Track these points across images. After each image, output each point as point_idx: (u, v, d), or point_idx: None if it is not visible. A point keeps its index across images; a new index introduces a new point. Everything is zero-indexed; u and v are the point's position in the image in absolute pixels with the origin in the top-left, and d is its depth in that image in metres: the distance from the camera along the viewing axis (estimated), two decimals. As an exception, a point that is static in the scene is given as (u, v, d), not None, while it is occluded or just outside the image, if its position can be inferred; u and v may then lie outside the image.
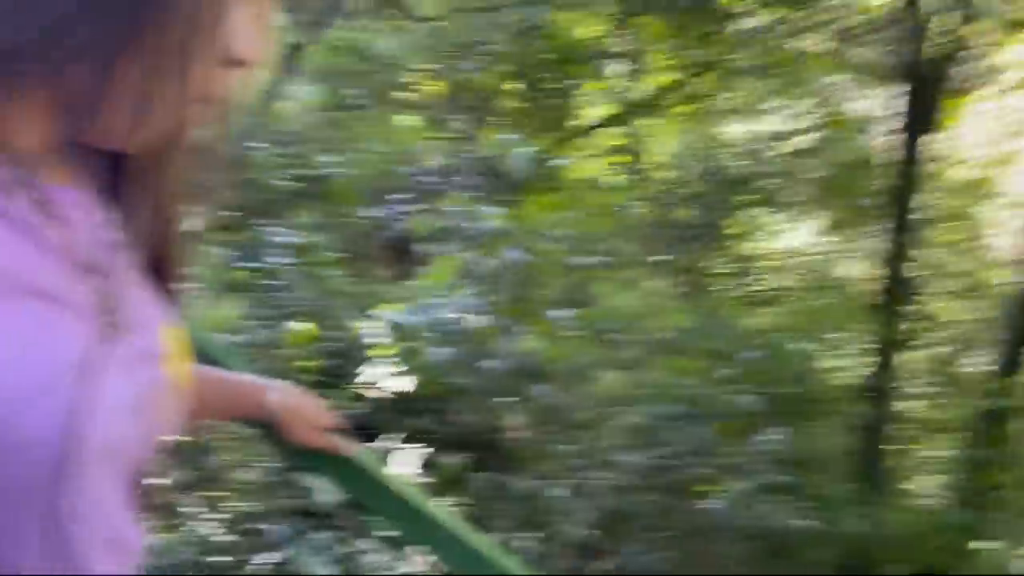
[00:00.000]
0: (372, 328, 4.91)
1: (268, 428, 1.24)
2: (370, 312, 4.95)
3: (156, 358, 0.72)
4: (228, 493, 3.39)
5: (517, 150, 4.01)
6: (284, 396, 1.23)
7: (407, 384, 4.58)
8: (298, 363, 5.04)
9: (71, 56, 0.56)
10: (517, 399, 4.48)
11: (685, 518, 3.57)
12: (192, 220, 0.78)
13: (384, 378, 4.73)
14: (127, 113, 0.59)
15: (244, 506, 3.36)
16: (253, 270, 6.18)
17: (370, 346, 4.85)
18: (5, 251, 0.58)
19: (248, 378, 1.26)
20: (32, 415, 0.56)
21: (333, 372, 5.34)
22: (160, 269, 0.78)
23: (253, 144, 6.88)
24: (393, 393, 4.71)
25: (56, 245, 0.63)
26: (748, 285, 9.27)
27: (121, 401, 0.65)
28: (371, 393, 4.90)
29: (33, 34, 0.54)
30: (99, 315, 0.65)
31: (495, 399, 4.36)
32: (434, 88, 8.91)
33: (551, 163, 4.03)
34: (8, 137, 0.60)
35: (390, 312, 4.83)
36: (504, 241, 3.91)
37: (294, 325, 5.08)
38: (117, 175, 0.74)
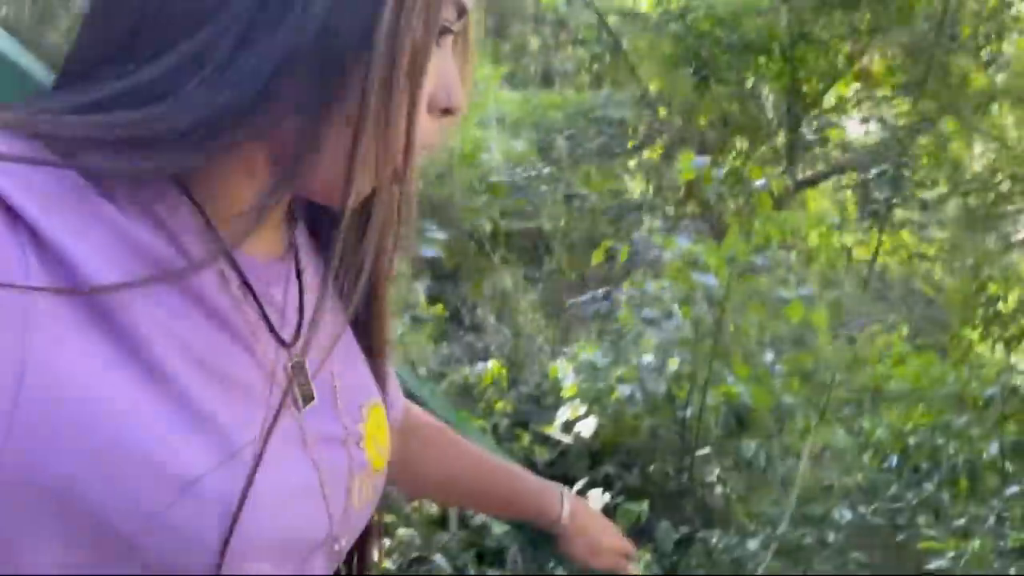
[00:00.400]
0: (566, 370, 4.81)
1: (544, 535, 1.15)
2: (565, 351, 4.86)
3: (347, 439, 0.71)
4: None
5: (700, 167, 3.75)
6: (575, 508, 1.13)
7: (594, 428, 4.36)
8: (493, 403, 5.09)
9: (281, 112, 0.56)
10: (713, 447, 4.12)
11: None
12: (398, 285, 0.72)
13: (577, 421, 4.58)
14: (339, 164, 0.58)
15: None
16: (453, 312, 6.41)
17: (563, 388, 4.72)
18: (191, 330, 0.57)
19: (535, 477, 1.15)
20: (188, 506, 0.54)
21: (525, 415, 5.34)
22: (368, 340, 0.78)
23: (458, 190, 7.23)
24: (584, 437, 4.55)
25: (247, 331, 0.62)
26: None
27: (297, 486, 0.64)
28: (563, 437, 4.79)
29: (247, 97, 0.54)
30: (282, 395, 0.63)
31: (690, 446, 4.02)
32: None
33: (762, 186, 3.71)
34: (215, 200, 0.60)
35: (584, 351, 4.69)
36: (696, 268, 3.63)
37: (489, 365, 5.11)
38: (327, 234, 0.74)
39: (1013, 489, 2.99)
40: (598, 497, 4.30)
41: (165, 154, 0.53)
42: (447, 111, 0.64)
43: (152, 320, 0.54)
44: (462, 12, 0.61)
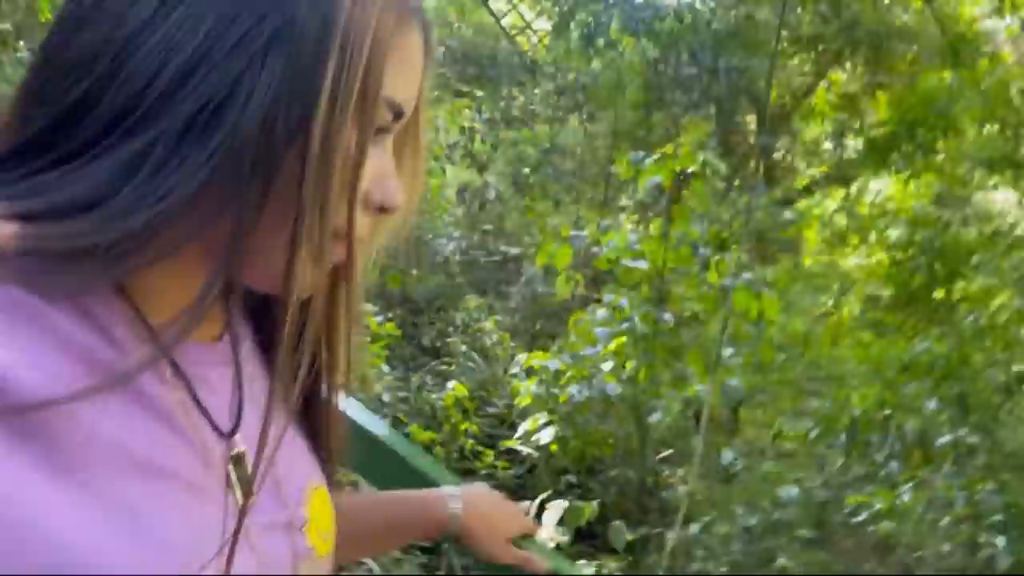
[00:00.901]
0: (527, 386, 4.76)
1: (455, 539, 1.05)
2: (520, 362, 4.82)
3: (290, 524, 0.68)
4: None
5: (637, 162, 3.73)
6: (469, 503, 1.03)
7: (552, 436, 4.29)
8: (458, 425, 5.03)
9: (215, 212, 0.55)
10: (673, 446, 4.04)
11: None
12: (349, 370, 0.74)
13: (537, 432, 4.52)
14: (276, 260, 0.58)
15: None
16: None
17: (523, 399, 4.66)
18: (128, 429, 0.56)
19: (415, 493, 1.06)
20: None
21: (492, 436, 5.28)
22: (314, 425, 0.76)
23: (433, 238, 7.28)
24: (545, 446, 4.48)
25: (186, 421, 0.60)
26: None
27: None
28: (525, 448, 4.72)
29: (178, 200, 0.53)
30: (230, 487, 0.62)
31: (647, 447, 3.95)
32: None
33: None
34: (152, 296, 0.60)
35: (540, 359, 4.65)
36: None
37: (451, 387, 5.06)
38: (263, 315, 0.73)
39: (946, 439, 2.90)
40: (559, 506, 4.21)
41: (94, 266, 0.52)
42: (383, 209, 0.63)
43: (87, 425, 0.53)
44: (399, 115, 0.62)
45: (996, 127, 6.27)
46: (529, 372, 4.76)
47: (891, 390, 3.39)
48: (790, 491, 3.06)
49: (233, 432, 0.64)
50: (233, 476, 0.63)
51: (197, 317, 0.56)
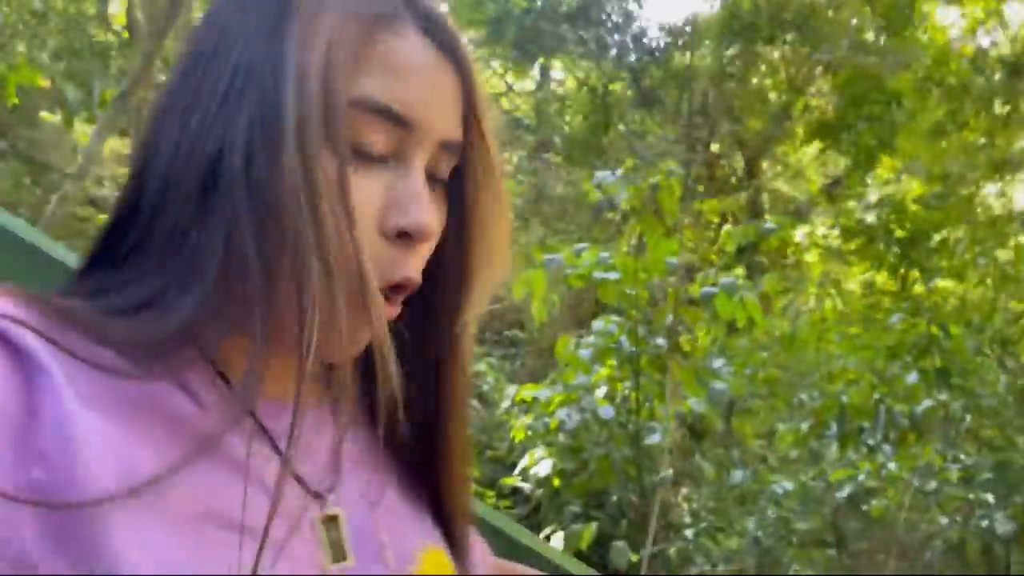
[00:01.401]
0: (521, 421, 4.70)
1: None
2: (512, 395, 4.76)
3: None
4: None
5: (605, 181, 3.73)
6: None
7: (550, 468, 4.21)
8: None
9: (239, 280, 0.56)
10: (673, 464, 3.95)
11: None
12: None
13: (535, 466, 4.43)
14: (306, 322, 0.56)
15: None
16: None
17: (518, 433, 4.59)
18: (218, 494, 0.56)
19: None
20: None
21: (492, 476, 5.19)
22: (430, 482, 0.74)
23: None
24: (544, 480, 4.39)
25: (267, 478, 0.60)
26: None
27: None
28: (528, 487, 4.64)
29: (204, 291, 0.56)
30: (317, 551, 0.61)
31: (643, 467, 3.87)
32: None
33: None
34: (231, 359, 0.61)
35: (530, 390, 4.59)
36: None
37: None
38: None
39: (926, 404, 2.82)
40: (561, 537, 4.11)
41: (164, 353, 0.56)
42: (405, 234, 0.59)
43: (186, 492, 0.54)
44: (400, 120, 0.59)
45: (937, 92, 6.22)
46: (523, 407, 4.70)
47: (878, 375, 3.31)
48: (784, 484, 2.97)
49: (324, 494, 0.64)
50: (324, 538, 0.62)
51: (255, 379, 0.56)
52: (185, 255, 0.57)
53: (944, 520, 2.49)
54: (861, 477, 2.48)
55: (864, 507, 2.59)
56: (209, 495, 0.55)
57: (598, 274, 3.53)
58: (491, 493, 4.81)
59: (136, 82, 4.99)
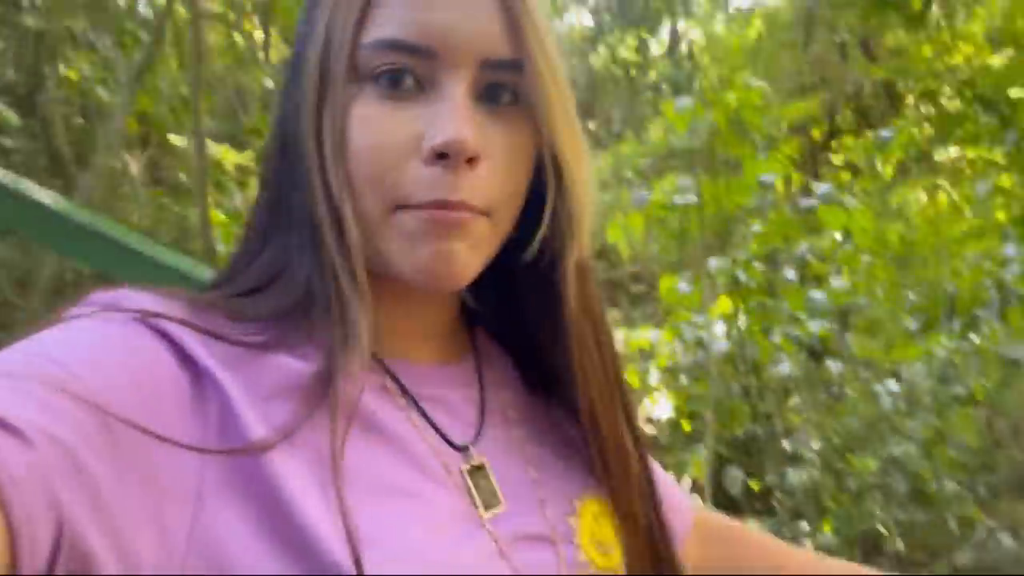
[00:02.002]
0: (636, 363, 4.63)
1: None
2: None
3: (554, 536, 0.66)
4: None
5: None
6: None
7: (669, 409, 4.13)
8: None
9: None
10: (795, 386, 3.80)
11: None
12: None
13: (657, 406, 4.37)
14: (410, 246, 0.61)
15: None
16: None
17: (635, 381, 4.52)
18: (359, 455, 0.59)
19: (864, 568, 0.97)
20: None
21: None
22: (589, 427, 0.72)
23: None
24: (669, 421, 4.31)
25: (407, 437, 0.62)
26: None
27: None
28: (650, 429, 4.56)
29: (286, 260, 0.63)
30: (466, 500, 0.63)
31: (761, 394, 3.73)
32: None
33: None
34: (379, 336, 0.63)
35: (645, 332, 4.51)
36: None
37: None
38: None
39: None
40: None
41: (295, 315, 0.61)
42: (443, 154, 0.59)
43: (302, 462, 0.55)
44: (418, 50, 0.59)
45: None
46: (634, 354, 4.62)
47: (991, 259, 3.02)
48: (889, 385, 2.77)
49: (468, 447, 0.65)
50: (472, 488, 0.63)
51: (356, 334, 0.58)
52: (295, 223, 0.61)
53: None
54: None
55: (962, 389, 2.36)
56: (350, 457, 0.56)
57: (677, 199, 3.39)
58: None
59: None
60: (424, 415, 0.64)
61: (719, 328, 4.30)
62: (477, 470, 0.64)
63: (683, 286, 3.88)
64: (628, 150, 8.11)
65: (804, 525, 3.12)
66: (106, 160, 4.41)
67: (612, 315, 6.67)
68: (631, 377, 4.42)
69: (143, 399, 0.52)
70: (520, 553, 0.63)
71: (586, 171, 0.65)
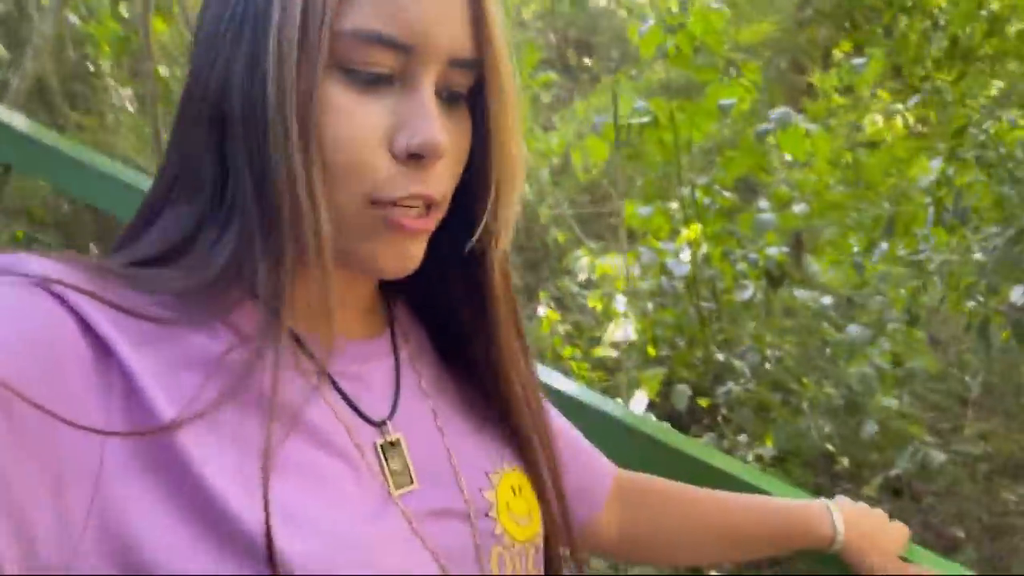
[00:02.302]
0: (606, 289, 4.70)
1: (827, 558, 1.00)
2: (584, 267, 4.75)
3: (470, 511, 0.68)
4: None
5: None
6: (851, 520, 0.97)
7: (631, 331, 4.21)
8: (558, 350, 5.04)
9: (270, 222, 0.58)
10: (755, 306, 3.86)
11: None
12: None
13: (619, 330, 4.44)
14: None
15: None
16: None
17: (599, 303, 4.60)
18: (255, 430, 0.58)
19: (796, 503, 1.00)
20: None
21: (585, 347, 5.24)
22: (499, 401, 0.75)
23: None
24: (632, 344, 4.39)
25: (320, 415, 0.62)
26: None
27: (414, 570, 0.61)
28: (615, 352, 4.65)
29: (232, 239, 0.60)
30: (379, 477, 0.64)
31: (716, 313, 3.80)
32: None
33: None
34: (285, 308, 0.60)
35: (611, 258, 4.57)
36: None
37: (542, 312, 5.07)
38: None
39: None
40: (641, 395, 4.12)
41: (202, 300, 0.59)
42: (416, 154, 0.60)
43: (214, 440, 0.55)
44: (395, 45, 0.59)
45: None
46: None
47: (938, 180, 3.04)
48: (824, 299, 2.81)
49: (384, 422, 0.66)
50: (385, 464, 0.64)
51: (276, 302, 0.57)
52: (210, 192, 0.60)
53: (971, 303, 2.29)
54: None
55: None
56: (261, 428, 0.56)
57: (633, 119, 3.42)
58: (585, 365, 4.86)
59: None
60: (339, 391, 0.65)
61: (685, 254, 4.36)
62: (392, 446, 0.65)
63: (643, 211, 3.92)
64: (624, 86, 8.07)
65: (744, 439, 3.22)
66: (35, 65, 4.42)
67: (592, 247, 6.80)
68: (596, 302, 4.49)
69: (43, 370, 0.50)
70: (433, 528, 0.64)
71: (523, 170, 0.67)
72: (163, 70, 5.61)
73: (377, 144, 0.59)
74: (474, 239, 0.69)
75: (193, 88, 0.62)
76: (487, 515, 0.68)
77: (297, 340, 0.63)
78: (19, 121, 1.58)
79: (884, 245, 3.00)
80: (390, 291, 0.76)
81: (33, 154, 1.50)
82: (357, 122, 0.59)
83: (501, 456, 0.73)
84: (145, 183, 1.39)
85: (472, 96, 0.65)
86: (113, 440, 0.52)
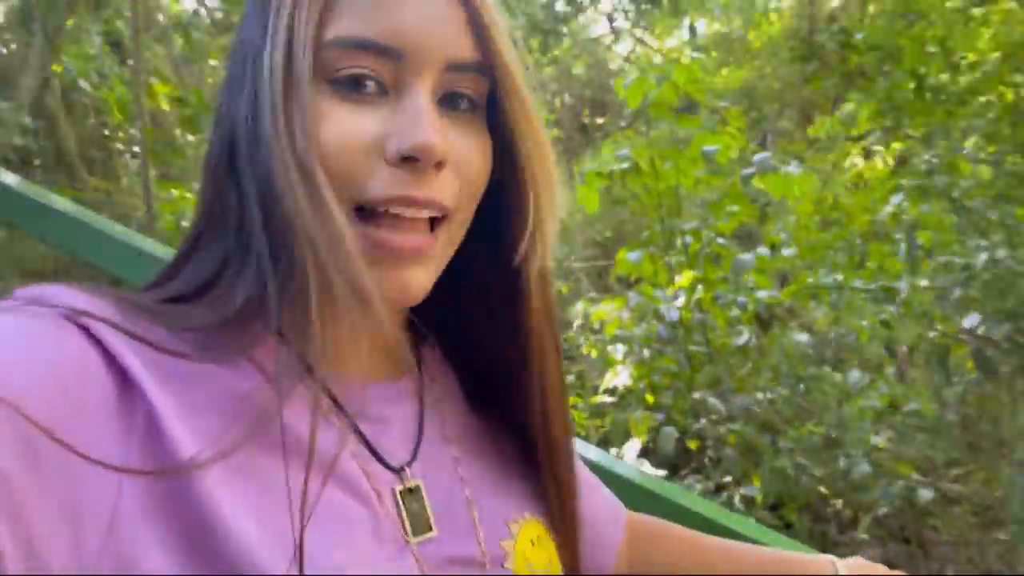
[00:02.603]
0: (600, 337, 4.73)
1: None
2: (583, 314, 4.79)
3: (485, 560, 0.66)
4: None
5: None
6: (857, 572, 0.95)
7: (627, 377, 4.23)
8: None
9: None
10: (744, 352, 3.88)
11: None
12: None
13: (617, 377, 4.45)
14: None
15: None
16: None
17: (595, 351, 4.63)
18: (295, 480, 0.57)
19: (800, 556, 0.98)
20: None
21: (587, 396, 5.24)
22: (529, 449, 0.73)
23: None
24: (628, 391, 4.40)
25: (352, 468, 0.62)
26: None
27: None
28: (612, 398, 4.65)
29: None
30: (396, 523, 0.62)
31: (710, 358, 3.82)
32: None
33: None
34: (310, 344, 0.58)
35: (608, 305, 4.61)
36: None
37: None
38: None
39: None
40: (634, 442, 4.11)
41: (232, 329, 0.58)
42: (412, 158, 0.58)
43: (238, 481, 0.54)
44: (381, 50, 0.59)
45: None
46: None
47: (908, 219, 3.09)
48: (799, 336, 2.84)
49: (403, 468, 0.65)
50: (404, 511, 0.63)
51: (308, 340, 0.55)
52: (233, 229, 0.59)
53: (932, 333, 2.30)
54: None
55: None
56: (278, 464, 0.55)
57: (612, 166, 3.50)
58: (583, 414, 4.86)
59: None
60: (360, 436, 0.64)
61: (680, 300, 4.39)
62: (411, 492, 0.64)
63: (632, 256, 3.97)
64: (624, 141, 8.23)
65: (729, 479, 3.20)
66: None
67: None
68: (591, 348, 4.51)
69: (67, 403, 0.50)
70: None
71: (552, 175, 0.64)
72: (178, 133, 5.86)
73: (368, 152, 0.58)
74: (520, 255, 0.65)
75: (215, 132, 0.62)
76: (503, 565, 0.67)
77: (319, 380, 0.60)
78: (10, 179, 1.64)
79: (858, 282, 3.02)
80: (420, 331, 0.74)
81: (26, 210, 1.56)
82: (347, 130, 0.58)
83: (522, 505, 0.71)
84: (139, 240, 1.44)
85: (489, 109, 0.63)
86: (130, 479, 0.50)
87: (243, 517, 0.52)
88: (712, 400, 3.04)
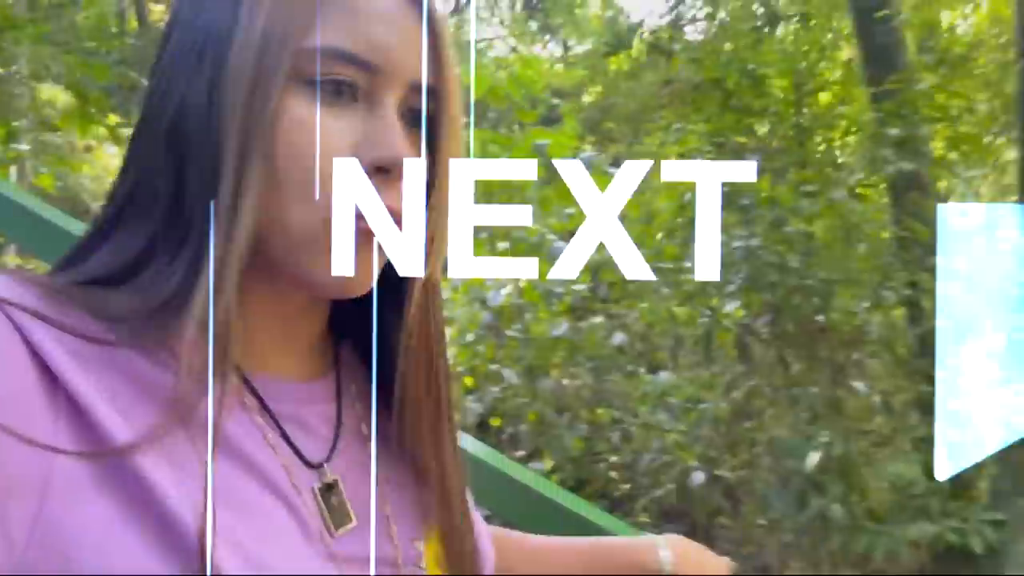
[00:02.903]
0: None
1: None
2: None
3: (398, 559, 0.68)
4: None
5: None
6: (678, 553, 0.97)
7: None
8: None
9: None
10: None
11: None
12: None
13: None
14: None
15: None
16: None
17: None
18: (218, 475, 0.58)
19: (621, 540, 1.01)
20: None
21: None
22: (430, 458, 0.73)
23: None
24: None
25: (262, 454, 0.62)
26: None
27: None
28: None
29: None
30: (315, 519, 0.64)
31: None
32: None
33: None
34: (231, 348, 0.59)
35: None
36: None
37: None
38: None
39: None
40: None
41: (158, 321, 0.58)
42: (381, 168, 0.60)
43: (167, 467, 0.55)
44: (362, 64, 0.61)
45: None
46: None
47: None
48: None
49: (322, 464, 0.66)
50: (322, 506, 0.65)
51: (222, 342, 0.57)
52: (164, 213, 0.60)
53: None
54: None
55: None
56: (191, 466, 0.56)
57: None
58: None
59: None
60: (281, 433, 0.65)
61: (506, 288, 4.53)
62: (329, 488, 0.65)
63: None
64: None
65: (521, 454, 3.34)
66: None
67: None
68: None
69: None
70: (360, 573, 0.64)
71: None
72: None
73: (346, 156, 0.60)
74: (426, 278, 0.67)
75: (152, 108, 0.62)
76: (416, 565, 0.69)
77: (243, 376, 0.63)
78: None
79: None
80: (337, 331, 0.76)
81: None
82: (327, 133, 0.59)
83: (428, 511, 0.73)
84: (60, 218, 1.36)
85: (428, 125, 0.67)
86: (61, 459, 0.51)
87: (172, 493, 0.53)
88: (506, 372, 3.16)
